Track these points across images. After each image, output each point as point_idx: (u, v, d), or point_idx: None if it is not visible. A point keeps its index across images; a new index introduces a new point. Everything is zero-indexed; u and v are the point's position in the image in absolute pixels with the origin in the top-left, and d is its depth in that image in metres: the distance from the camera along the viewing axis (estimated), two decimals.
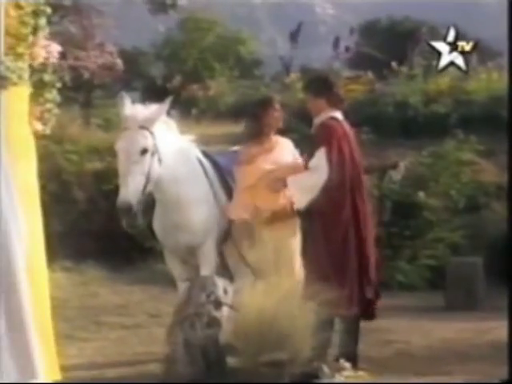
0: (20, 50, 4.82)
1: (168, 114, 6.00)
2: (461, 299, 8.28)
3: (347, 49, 14.76)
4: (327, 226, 5.74)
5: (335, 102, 5.94)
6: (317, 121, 5.92)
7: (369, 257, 5.86)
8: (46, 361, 4.80)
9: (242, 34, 19.25)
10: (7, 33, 4.79)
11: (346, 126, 5.94)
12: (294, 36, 15.36)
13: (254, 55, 19.21)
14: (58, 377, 5.02)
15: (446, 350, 6.61)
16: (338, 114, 5.95)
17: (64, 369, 5.19)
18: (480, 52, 12.77)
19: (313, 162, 5.79)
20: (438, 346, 6.79)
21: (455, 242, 9.64)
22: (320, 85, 5.99)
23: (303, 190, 5.82)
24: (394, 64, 13.59)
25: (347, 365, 5.59)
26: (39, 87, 5.06)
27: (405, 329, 7.33)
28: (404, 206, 9.65)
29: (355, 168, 5.84)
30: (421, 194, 9.79)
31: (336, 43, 14.72)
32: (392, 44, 15.47)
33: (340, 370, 5.43)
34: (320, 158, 5.75)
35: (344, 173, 5.75)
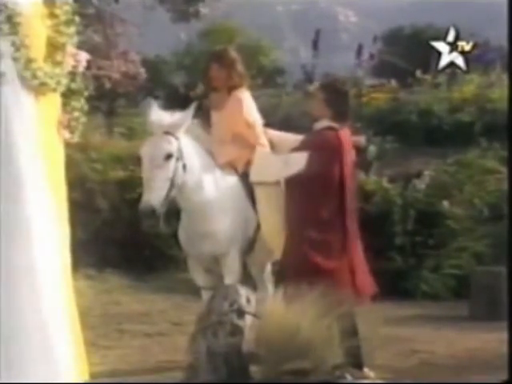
0: (58, 58, 4.91)
1: (192, 123, 6.01)
2: (485, 308, 8.22)
3: (370, 57, 14.72)
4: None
5: (341, 116, 5.81)
6: (317, 126, 5.85)
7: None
8: (75, 367, 4.82)
9: (264, 43, 19.25)
10: (45, 42, 4.87)
11: (344, 134, 5.82)
12: (314, 44, 15.35)
13: (277, 64, 19.20)
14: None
15: (470, 360, 6.56)
16: (336, 124, 5.82)
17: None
18: (504, 60, 12.71)
19: (290, 156, 5.78)
20: (462, 355, 6.74)
21: (479, 251, 9.58)
22: (337, 97, 5.82)
23: (264, 168, 5.87)
24: (417, 72, 13.53)
25: (371, 374, 5.57)
26: (67, 96, 5.10)
27: (428, 338, 7.29)
28: (428, 215, 9.60)
29: (344, 178, 5.74)
30: (445, 203, 9.74)
31: (359, 51, 14.67)
32: (415, 52, 15.38)
33: (364, 378, 5.41)
34: (300, 158, 5.70)
35: (323, 183, 5.69)
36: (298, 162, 5.72)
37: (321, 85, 6.30)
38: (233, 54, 6.28)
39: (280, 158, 5.92)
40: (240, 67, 6.20)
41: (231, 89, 6.15)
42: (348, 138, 5.88)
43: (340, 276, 5.61)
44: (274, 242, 5.87)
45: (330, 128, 5.80)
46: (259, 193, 5.99)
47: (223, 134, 6.13)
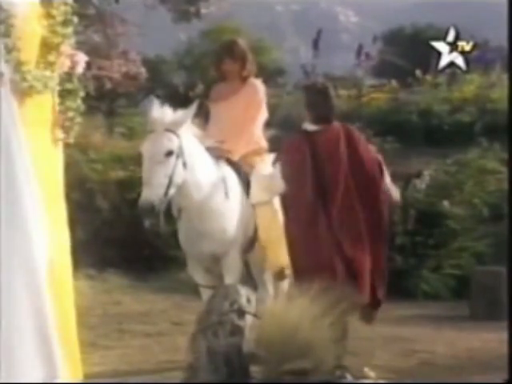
0: (51, 58, 4.88)
1: (191, 122, 6.01)
2: (485, 308, 8.23)
3: (370, 57, 14.72)
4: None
5: (322, 118, 5.72)
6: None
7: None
8: (69, 368, 4.81)
9: (264, 43, 19.24)
10: (39, 42, 4.85)
11: (326, 136, 5.70)
12: (315, 44, 15.36)
13: (277, 63, 19.19)
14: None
15: (471, 360, 6.56)
16: (314, 126, 5.75)
17: (87, 376, 5.19)
18: (505, 60, 12.71)
19: (272, 172, 5.83)
20: (462, 355, 6.74)
21: (480, 251, 9.59)
22: (317, 99, 5.75)
23: (260, 188, 5.88)
24: (418, 72, 13.54)
25: (372, 374, 5.57)
26: (63, 96, 5.09)
27: (429, 338, 7.29)
28: (428, 215, 9.61)
29: (320, 185, 5.66)
30: (445, 203, 9.75)
31: (359, 51, 14.67)
32: (416, 52, 15.39)
33: (364, 378, 5.41)
34: (276, 172, 5.77)
35: (295, 193, 5.66)
36: (276, 176, 5.76)
37: (302, 87, 6.30)
38: (243, 44, 6.37)
39: (267, 174, 5.93)
40: (251, 56, 6.29)
41: (245, 78, 6.27)
42: (334, 139, 5.70)
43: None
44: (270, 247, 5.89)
45: (303, 132, 5.75)
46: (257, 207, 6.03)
47: (229, 125, 6.12)
